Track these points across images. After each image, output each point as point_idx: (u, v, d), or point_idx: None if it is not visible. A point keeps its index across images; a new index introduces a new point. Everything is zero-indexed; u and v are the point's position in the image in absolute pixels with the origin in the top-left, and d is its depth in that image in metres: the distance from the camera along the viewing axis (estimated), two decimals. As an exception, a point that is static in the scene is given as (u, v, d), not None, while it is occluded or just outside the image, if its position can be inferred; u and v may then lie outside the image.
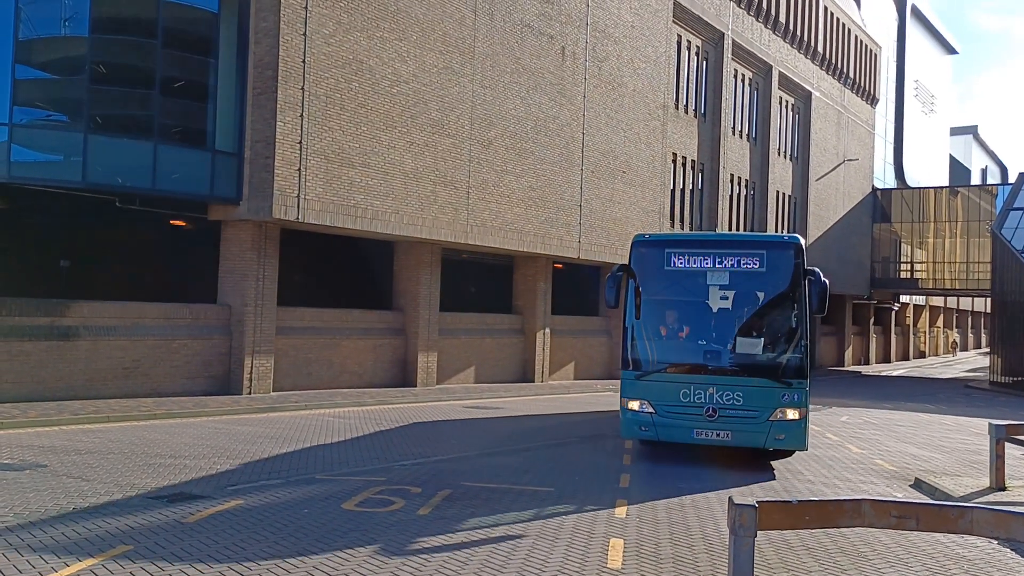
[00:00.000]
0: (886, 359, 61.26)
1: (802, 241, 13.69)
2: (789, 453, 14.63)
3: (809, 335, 13.50)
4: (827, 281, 13.21)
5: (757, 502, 6.23)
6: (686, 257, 13.76)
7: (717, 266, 13.57)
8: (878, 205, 54.34)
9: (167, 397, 18.54)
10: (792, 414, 13.12)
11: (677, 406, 13.31)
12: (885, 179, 60.15)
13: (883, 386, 38.31)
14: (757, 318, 13.75)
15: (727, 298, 13.74)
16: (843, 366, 52.23)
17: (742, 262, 13.54)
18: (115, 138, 18.33)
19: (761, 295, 13.68)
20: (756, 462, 14.11)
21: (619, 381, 14.09)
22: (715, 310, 13.76)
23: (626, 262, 14.18)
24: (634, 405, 13.61)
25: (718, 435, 13.18)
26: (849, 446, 16.83)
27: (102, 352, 17.90)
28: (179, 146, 19.21)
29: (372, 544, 8.20)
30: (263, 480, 11.05)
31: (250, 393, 19.96)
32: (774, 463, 14.19)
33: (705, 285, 13.63)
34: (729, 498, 6.30)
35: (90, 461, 11.86)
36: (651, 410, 13.46)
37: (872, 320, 58.03)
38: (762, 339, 13.57)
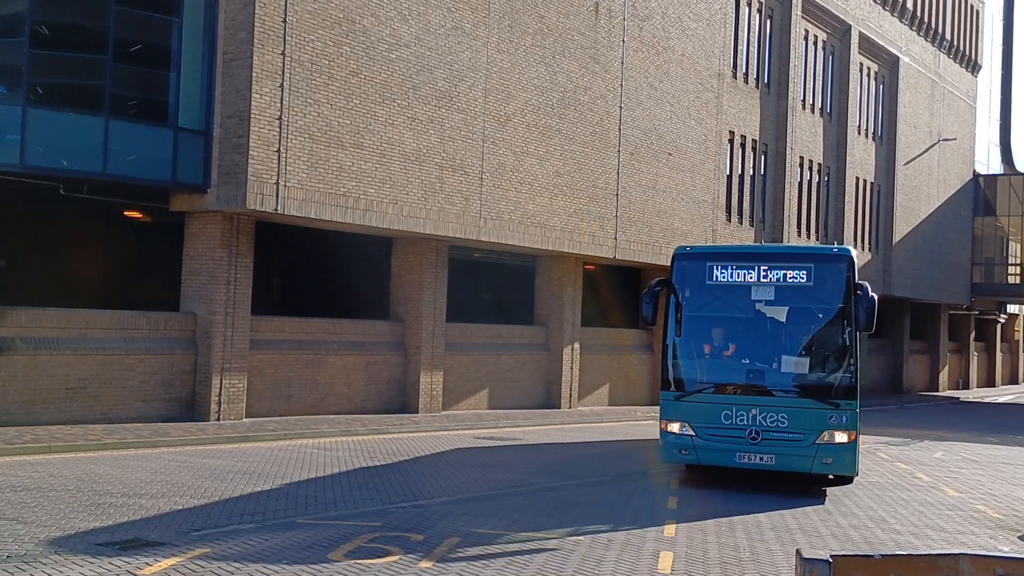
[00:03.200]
0: (990, 382, 60.69)
1: (854, 253, 15.32)
2: (846, 481, 15.96)
3: (859, 354, 14.99)
4: (875, 296, 14.76)
5: (831, 556, 6.20)
6: (729, 271, 15.37)
7: (762, 280, 15.16)
8: (980, 195, 53.92)
9: (120, 423, 18.66)
10: (840, 437, 14.59)
11: (718, 428, 14.88)
12: (989, 163, 59.71)
13: (987, 415, 37.94)
14: (804, 335, 15.44)
15: (772, 314, 15.39)
16: (937, 390, 51.88)
17: (789, 276, 15.14)
18: (60, 112, 18.50)
19: (809, 311, 15.31)
20: (822, 494, 14.10)
21: None
22: (760, 327, 15.49)
23: (668, 264, 15.68)
24: (674, 427, 15.21)
25: (761, 459, 14.69)
26: (944, 488, 16.73)
27: (42, 369, 18.06)
28: (135, 122, 19.34)
29: (364, 603, 8.21)
30: (233, 524, 11.09)
31: (219, 419, 20.08)
32: (853, 507, 14.14)
33: (750, 300, 15.27)
34: (797, 551, 6.27)
35: (28, 500, 11.94)
36: (691, 432, 15.02)
37: (973, 335, 57.56)
38: (809, 358, 15.21)
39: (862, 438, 17.25)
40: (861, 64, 41.96)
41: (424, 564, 9.59)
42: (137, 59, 19.56)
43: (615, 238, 28.22)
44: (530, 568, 9.64)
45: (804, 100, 38.02)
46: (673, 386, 15.30)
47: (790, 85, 36.45)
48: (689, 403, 15.12)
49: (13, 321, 17.79)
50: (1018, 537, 12.75)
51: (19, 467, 14.33)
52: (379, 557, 9.78)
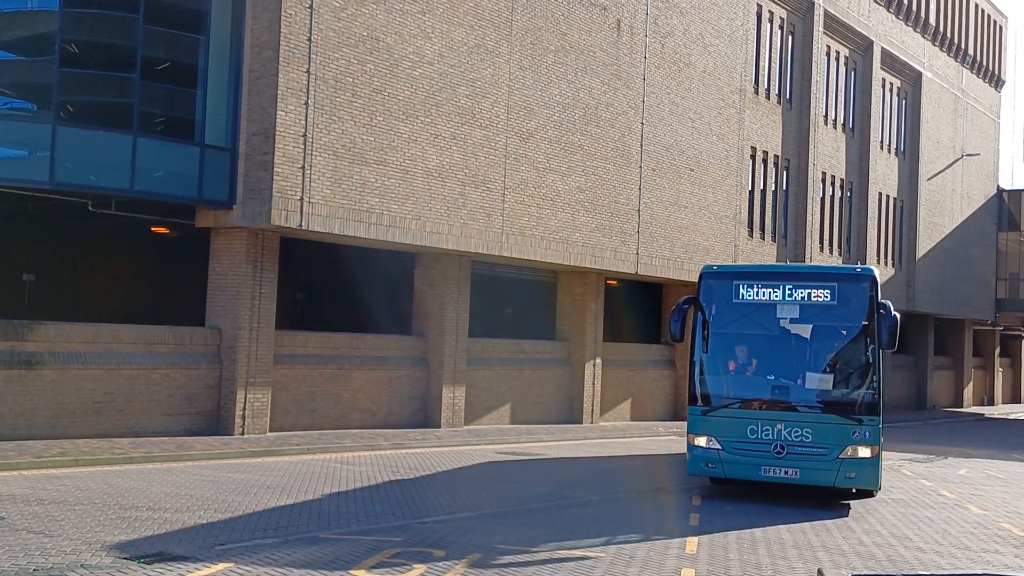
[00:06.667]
0: (1015, 399, 60.08)
1: (876, 272, 15.75)
2: (868, 495, 16.20)
3: (881, 370, 15.36)
4: (898, 315, 15.20)
5: (854, 575, 6.16)
6: (755, 289, 15.77)
7: (787, 299, 15.54)
8: (1004, 210, 53.51)
9: (145, 437, 18.76)
10: (863, 452, 14.97)
11: (744, 443, 15.24)
12: (1013, 179, 59.37)
13: (1012, 432, 37.55)
14: (828, 353, 15.80)
15: (797, 332, 15.72)
16: (961, 407, 51.37)
17: (813, 295, 15.54)
18: (88, 130, 18.70)
19: (832, 329, 15.70)
20: (845, 509, 14.02)
21: (685, 423, 15.93)
22: (784, 344, 15.79)
23: (692, 279, 16.36)
24: (701, 441, 15.54)
25: (786, 472, 15.04)
26: (969, 506, 16.56)
27: (70, 383, 18.21)
28: (163, 140, 19.54)
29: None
30: (257, 539, 11.13)
31: (243, 433, 20.16)
32: (876, 524, 14.03)
33: (775, 318, 15.62)
34: (819, 570, 6.24)
35: (54, 513, 12.03)
36: (718, 446, 15.37)
37: (998, 351, 57.04)
38: (832, 374, 15.64)
39: (885, 454, 17.20)
40: (883, 79, 41.78)
41: (446, 580, 9.59)
42: (164, 77, 19.76)
43: (637, 253, 28.18)
44: (552, 584, 9.63)
45: (826, 115, 37.88)
46: (700, 401, 15.64)
47: (812, 100, 36.33)
48: (716, 418, 15.46)
49: (42, 336, 17.95)
50: (1044, 556, 12.59)
51: (46, 480, 14.43)
52: (401, 572, 9.79)
